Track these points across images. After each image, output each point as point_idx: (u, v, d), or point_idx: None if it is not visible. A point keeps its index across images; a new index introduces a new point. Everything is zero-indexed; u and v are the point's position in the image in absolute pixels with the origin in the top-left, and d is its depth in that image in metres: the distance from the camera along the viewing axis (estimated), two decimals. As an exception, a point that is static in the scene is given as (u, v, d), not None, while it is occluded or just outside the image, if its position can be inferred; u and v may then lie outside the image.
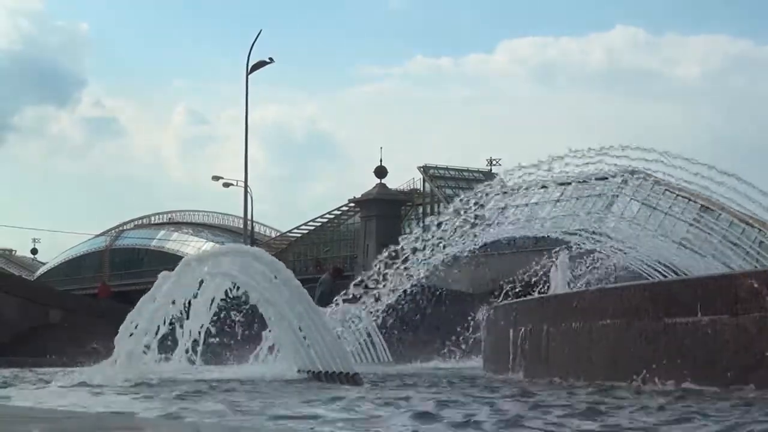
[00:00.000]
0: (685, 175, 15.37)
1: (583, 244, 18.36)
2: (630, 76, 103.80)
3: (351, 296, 15.60)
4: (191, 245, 59.35)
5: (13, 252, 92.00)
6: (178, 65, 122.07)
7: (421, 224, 14.85)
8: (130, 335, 8.72)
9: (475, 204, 14.94)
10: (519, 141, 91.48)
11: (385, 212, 51.47)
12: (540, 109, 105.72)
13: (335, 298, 16.34)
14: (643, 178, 16.52)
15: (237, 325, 12.80)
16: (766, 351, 6.67)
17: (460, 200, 15.10)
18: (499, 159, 56.43)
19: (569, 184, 15.55)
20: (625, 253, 18.57)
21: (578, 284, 18.03)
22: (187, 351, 9.37)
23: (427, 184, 55.19)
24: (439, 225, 14.90)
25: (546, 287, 17.74)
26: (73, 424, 4.12)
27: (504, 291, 17.77)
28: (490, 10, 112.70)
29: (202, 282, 9.32)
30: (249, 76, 40.39)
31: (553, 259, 18.38)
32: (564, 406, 5.99)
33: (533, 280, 18.27)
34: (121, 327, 8.75)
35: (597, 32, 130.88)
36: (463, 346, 16.91)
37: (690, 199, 17.46)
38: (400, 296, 16.43)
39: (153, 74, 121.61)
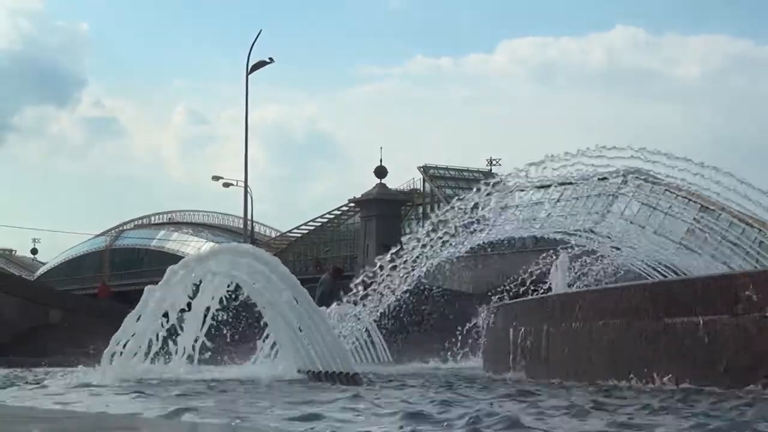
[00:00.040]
0: (686, 175, 15.34)
1: (583, 244, 18.35)
2: (630, 76, 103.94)
3: (351, 296, 15.59)
4: (191, 245, 59.35)
5: (13, 252, 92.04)
6: (178, 65, 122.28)
7: (421, 224, 14.84)
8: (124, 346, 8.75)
9: (475, 204, 14.92)
10: (519, 141, 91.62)
11: (385, 212, 51.46)
12: (540, 109, 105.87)
13: (336, 299, 16.33)
14: (643, 178, 16.51)
15: (235, 325, 12.80)
16: (766, 351, 6.68)
17: (460, 199, 15.07)
18: (499, 159, 56.52)
19: (570, 183, 15.53)
20: (624, 254, 18.56)
21: (578, 284, 18.03)
22: (186, 351, 9.37)
23: (427, 184, 55.20)
24: (438, 225, 14.88)
25: (547, 287, 17.73)
26: (73, 424, 4.12)
27: (504, 291, 17.75)
28: (490, 10, 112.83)
29: (199, 282, 9.32)
30: (249, 76, 40.43)
31: (554, 260, 18.38)
32: (560, 407, 5.99)
33: (533, 279, 18.26)
34: (109, 346, 8.77)
35: (597, 32, 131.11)
36: (464, 346, 16.90)
37: (690, 199, 17.45)
38: (400, 296, 16.42)
39: (153, 74, 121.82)
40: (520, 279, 17.97)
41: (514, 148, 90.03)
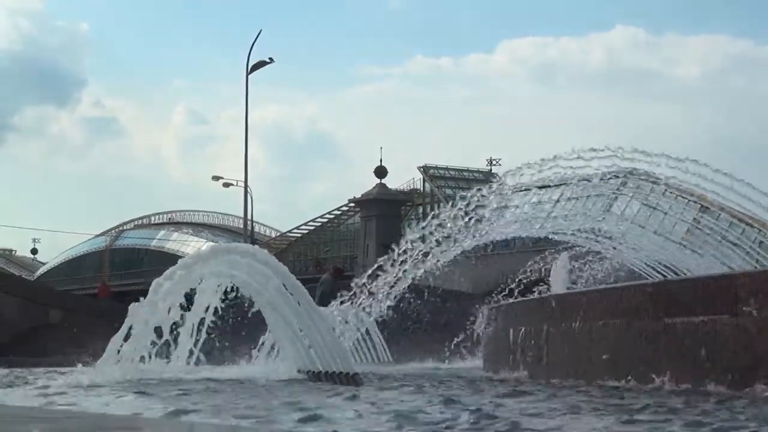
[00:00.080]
0: (686, 176, 15.35)
1: (583, 244, 18.35)
2: (630, 76, 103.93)
3: (351, 296, 15.60)
4: (191, 245, 59.31)
5: (13, 252, 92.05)
6: (178, 65, 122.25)
7: (421, 224, 14.82)
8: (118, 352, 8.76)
9: (475, 205, 14.92)
10: (519, 141, 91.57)
11: (385, 212, 51.45)
12: (540, 109, 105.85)
13: (336, 298, 16.33)
14: (643, 178, 16.51)
15: (234, 325, 12.79)
16: (766, 351, 6.68)
17: (461, 197, 15.07)
18: (499, 159, 56.51)
19: (569, 183, 15.53)
20: (624, 254, 18.56)
21: (578, 284, 18.03)
22: (186, 351, 9.38)
23: (427, 184, 55.19)
24: (439, 226, 14.88)
25: (547, 287, 17.73)
26: (73, 424, 4.12)
27: (504, 291, 17.75)
28: (490, 10, 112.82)
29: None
30: (249, 76, 40.44)
31: (554, 260, 18.39)
32: (559, 407, 5.99)
33: (533, 279, 18.27)
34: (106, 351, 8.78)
35: (597, 32, 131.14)
36: (464, 347, 16.89)
37: (690, 200, 17.46)
38: (400, 296, 16.42)
39: (153, 74, 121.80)
40: (519, 279, 17.98)
41: (514, 148, 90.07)
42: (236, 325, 13.12)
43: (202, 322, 9.38)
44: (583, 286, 17.74)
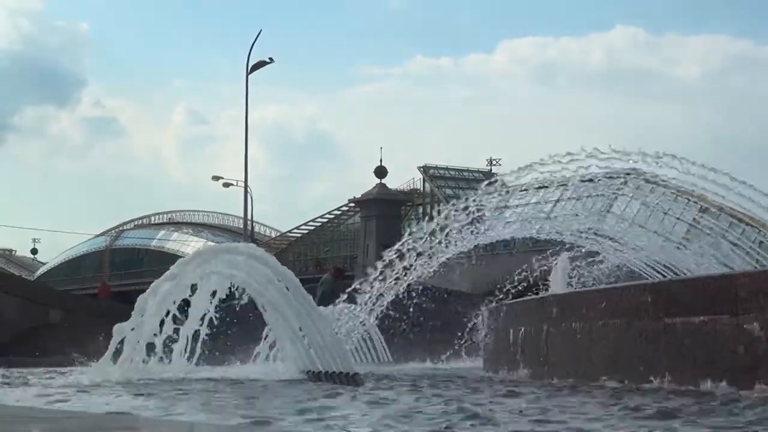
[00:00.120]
0: (686, 176, 15.33)
1: (583, 245, 18.34)
2: (630, 76, 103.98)
3: (351, 296, 15.59)
4: (191, 245, 59.25)
5: (13, 252, 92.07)
6: (178, 65, 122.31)
7: (421, 224, 14.81)
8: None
9: (475, 205, 14.90)
10: (519, 141, 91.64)
11: (385, 212, 51.45)
12: (540, 109, 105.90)
13: (336, 299, 16.33)
14: (643, 179, 16.50)
15: (235, 325, 12.77)
16: (766, 351, 6.68)
17: (464, 198, 15.05)
18: (499, 159, 56.48)
19: (570, 183, 15.50)
20: (625, 254, 18.55)
21: (578, 285, 18.02)
22: (186, 351, 9.37)
23: (427, 184, 55.18)
24: (440, 228, 14.87)
25: (546, 287, 17.72)
26: (73, 424, 4.12)
27: (504, 291, 17.73)
28: (490, 10, 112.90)
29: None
30: (249, 76, 40.43)
31: (554, 260, 18.37)
32: (555, 407, 5.99)
33: (533, 280, 18.25)
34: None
35: (597, 32, 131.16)
36: (464, 347, 16.89)
37: (690, 199, 17.45)
38: (400, 296, 16.41)
39: (153, 74, 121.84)
40: (519, 279, 17.95)
41: (514, 148, 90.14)
42: (235, 326, 13.13)
43: (201, 322, 9.37)
44: (582, 286, 17.73)
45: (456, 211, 14.57)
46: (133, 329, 8.76)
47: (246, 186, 41.33)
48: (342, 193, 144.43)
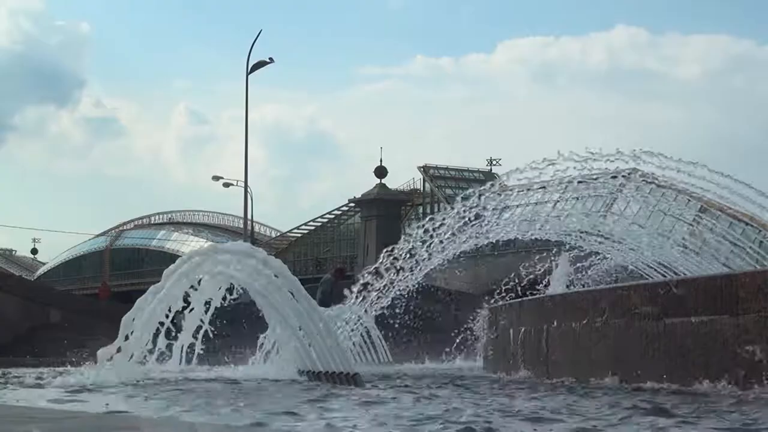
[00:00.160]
0: (686, 177, 15.32)
1: (583, 245, 18.33)
2: (630, 76, 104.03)
3: (351, 296, 15.59)
4: (191, 245, 59.28)
5: (13, 252, 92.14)
6: (178, 65, 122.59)
7: (421, 224, 14.80)
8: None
9: (475, 206, 14.90)
10: (519, 141, 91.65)
11: (385, 212, 51.50)
12: (540, 109, 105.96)
13: (337, 299, 16.33)
14: (643, 179, 16.49)
15: (235, 325, 12.78)
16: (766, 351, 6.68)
17: (462, 197, 15.05)
18: (499, 159, 56.57)
19: (570, 183, 15.48)
20: (625, 254, 18.55)
21: (577, 284, 18.02)
22: (186, 351, 9.37)
23: (427, 184, 55.21)
24: (439, 227, 14.86)
25: (545, 287, 17.72)
26: (73, 424, 4.12)
27: (504, 291, 17.74)
28: (490, 10, 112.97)
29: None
30: (249, 76, 40.41)
31: (554, 260, 18.37)
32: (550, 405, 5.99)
33: (533, 279, 18.24)
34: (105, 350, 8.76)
35: (597, 32, 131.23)
36: (464, 346, 16.89)
37: (690, 199, 17.45)
38: (400, 296, 16.41)
39: (153, 74, 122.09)
40: (519, 279, 17.95)
41: (514, 148, 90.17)
42: (234, 326, 13.12)
43: (201, 322, 9.37)
44: (582, 286, 17.73)
45: (456, 211, 14.57)
46: (118, 350, 8.69)
47: (246, 186, 41.35)
48: (342, 193, 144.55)
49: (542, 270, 18.42)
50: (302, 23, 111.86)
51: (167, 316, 8.99)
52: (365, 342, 17.02)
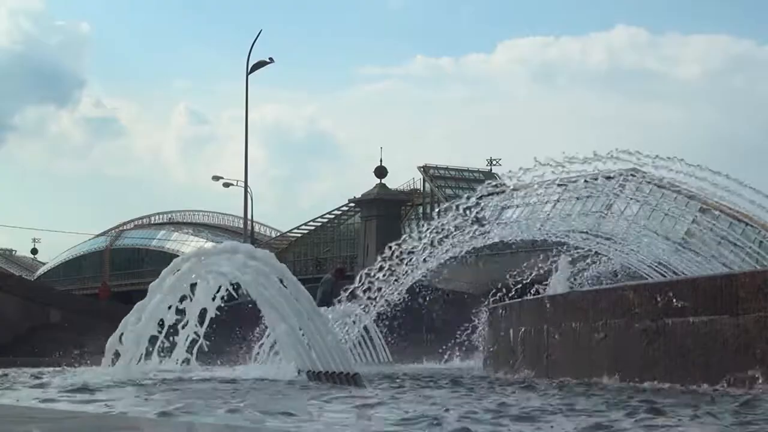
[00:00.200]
0: (685, 177, 15.33)
1: (583, 245, 18.34)
2: (630, 76, 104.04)
3: (351, 296, 15.60)
4: (191, 245, 59.30)
5: (13, 252, 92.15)
6: (178, 65, 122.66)
7: (421, 224, 14.81)
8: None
9: (476, 206, 14.91)
10: (519, 141, 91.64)
11: (385, 212, 51.50)
12: (540, 109, 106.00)
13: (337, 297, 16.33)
14: (643, 179, 16.50)
15: (235, 325, 12.77)
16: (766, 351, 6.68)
17: (465, 197, 15.06)
18: (499, 159, 56.56)
19: (573, 182, 15.50)
20: (625, 254, 18.56)
21: (577, 284, 18.03)
22: (186, 351, 9.37)
23: (427, 184, 55.20)
24: (439, 226, 14.86)
25: (546, 287, 17.73)
26: (73, 424, 4.12)
27: (504, 291, 17.75)
28: (490, 10, 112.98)
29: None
30: (249, 76, 40.43)
31: (554, 261, 18.37)
32: (557, 407, 5.99)
33: (533, 280, 18.25)
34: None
35: (597, 32, 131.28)
36: (464, 346, 16.90)
37: (689, 199, 17.46)
38: (400, 296, 16.42)
39: (153, 74, 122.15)
40: (519, 279, 17.96)
41: (514, 148, 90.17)
42: (235, 325, 13.11)
43: (201, 322, 9.36)
44: (582, 286, 17.73)
45: (456, 211, 14.57)
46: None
47: (246, 186, 41.35)
48: (342, 193, 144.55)
49: (543, 270, 18.42)
50: (302, 23, 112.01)
51: (160, 331, 9.00)
52: (365, 342, 17.04)
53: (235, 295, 9.70)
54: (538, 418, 5.29)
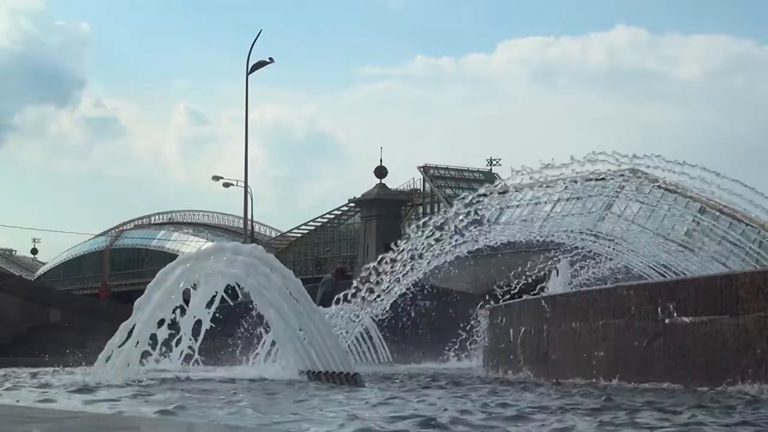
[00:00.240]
0: (685, 177, 15.33)
1: (582, 246, 18.34)
2: (630, 76, 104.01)
3: (351, 296, 15.59)
4: (191, 245, 59.29)
5: (13, 252, 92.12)
6: (178, 65, 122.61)
7: (421, 224, 14.79)
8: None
9: (476, 206, 14.90)
10: (519, 141, 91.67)
11: (385, 212, 51.45)
12: (540, 109, 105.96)
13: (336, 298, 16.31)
14: (644, 179, 16.50)
15: (235, 325, 12.77)
16: (766, 351, 6.68)
17: (463, 198, 15.06)
18: (499, 159, 56.47)
19: (574, 182, 15.49)
20: (624, 254, 18.56)
21: (576, 285, 18.02)
22: (186, 351, 9.36)
23: (427, 184, 55.16)
24: (439, 227, 14.86)
25: (545, 287, 17.72)
26: (73, 424, 4.12)
27: (504, 291, 17.74)
28: (490, 10, 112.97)
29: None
30: (249, 76, 40.44)
31: (554, 261, 18.37)
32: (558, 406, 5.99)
33: (533, 280, 18.25)
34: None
35: (597, 32, 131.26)
36: (464, 346, 16.90)
37: (690, 199, 17.46)
38: (400, 296, 16.42)
39: (153, 74, 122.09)
40: (519, 279, 17.95)
41: (514, 148, 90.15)
42: (235, 325, 13.10)
43: (200, 321, 9.35)
44: (582, 286, 17.72)
45: (457, 212, 14.56)
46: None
47: (246, 186, 41.36)
48: (342, 193, 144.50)
49: (543, 270, 18.41)
50: (302, 23, 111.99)
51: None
52: (365, 341, 17.03)
53: (240, 294, 9.70)
54: (538, 419, 5.30)
